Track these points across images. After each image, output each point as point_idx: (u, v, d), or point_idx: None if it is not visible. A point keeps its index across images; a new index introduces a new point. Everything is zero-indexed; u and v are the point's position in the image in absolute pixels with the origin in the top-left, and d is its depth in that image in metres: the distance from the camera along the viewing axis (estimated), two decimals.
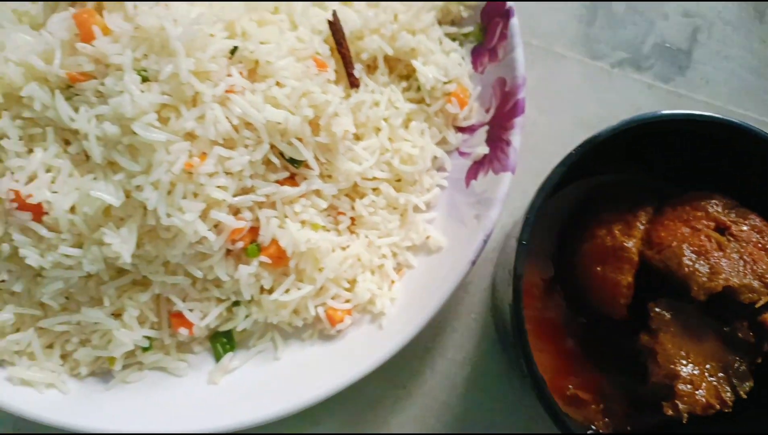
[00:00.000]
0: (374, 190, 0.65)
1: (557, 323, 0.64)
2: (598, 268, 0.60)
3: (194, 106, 0.54)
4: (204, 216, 0.56)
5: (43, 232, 0.56)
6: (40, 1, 0.59)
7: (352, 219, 0.65)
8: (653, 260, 0.58)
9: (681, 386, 0.54)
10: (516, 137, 0.64)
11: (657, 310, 0.57)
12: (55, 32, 0.56)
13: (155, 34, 0.53)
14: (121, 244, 0.55)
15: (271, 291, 0.63)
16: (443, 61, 0.66)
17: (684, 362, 0.56)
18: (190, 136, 0.55)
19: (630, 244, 0.59)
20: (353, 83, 0.61)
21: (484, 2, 0.68)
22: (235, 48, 0.55)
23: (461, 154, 0.69)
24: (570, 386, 0.61)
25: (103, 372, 0.64)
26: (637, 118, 0.55)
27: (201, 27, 0.53)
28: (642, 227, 0.60)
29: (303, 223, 0.61)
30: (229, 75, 0.55)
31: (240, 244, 0.60)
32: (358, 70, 0.63)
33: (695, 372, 0.55)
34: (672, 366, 0.56)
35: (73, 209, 0.56)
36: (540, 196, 0.54)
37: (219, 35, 0.55)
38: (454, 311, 0.71)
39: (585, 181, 0.64)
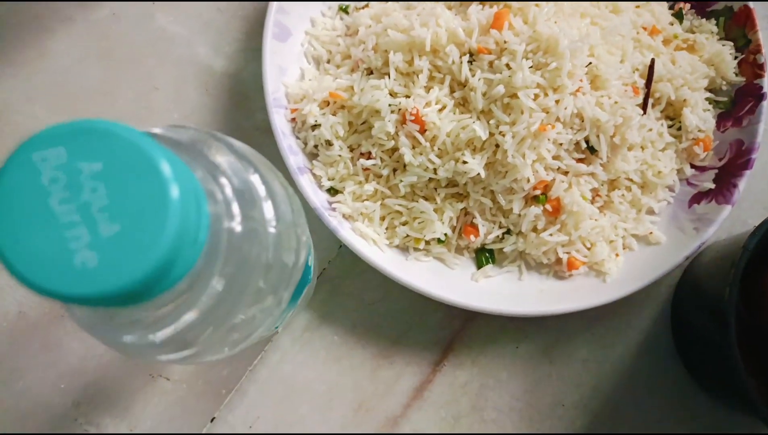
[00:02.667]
0: (626, 187, 0.90)
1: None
2: None
3: (555, 93, 0.81)
4: (531, 165, 0.82)
5: (422, 140, 0.83)
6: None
7: (605, 202, 0.90)
8: None
9: None
10: (742, 183, 0.88)
11: None
12: (474, 16, 0.83)
13: (546, 39, 0.80)
14: (476, 164, 0.82)
15: (538, 231, 0.88)
16: (703, 116, 0.90)
17: None
18: (545, 110, 0.81)
19: None
20: (645, 110, 0.87)
21: (743, 83, 0.93)
22: (590, 63, 0.82)
23: (689, 183, 0.93)
24: None
25: (404, 248, 0.91)
26: None
27: (581, 45, 0.79)
28: None
29: (579, 192, 0.87)
30: (581, 80, 0.82)
31: (537, 192, 0.85)
32: (649, 103, 0.88)
33: None
34: None
35: (448, 134, 0.83)
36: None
37: (585, 52, 0.81)
38: (643, 296, 0.95)
39: None
